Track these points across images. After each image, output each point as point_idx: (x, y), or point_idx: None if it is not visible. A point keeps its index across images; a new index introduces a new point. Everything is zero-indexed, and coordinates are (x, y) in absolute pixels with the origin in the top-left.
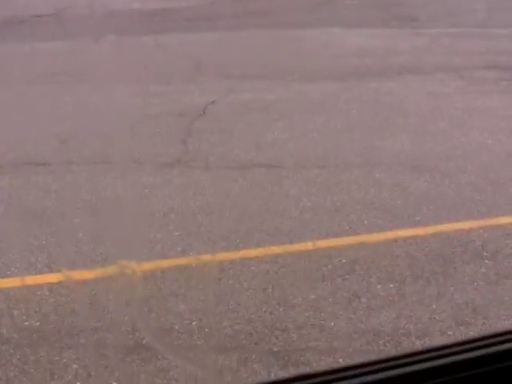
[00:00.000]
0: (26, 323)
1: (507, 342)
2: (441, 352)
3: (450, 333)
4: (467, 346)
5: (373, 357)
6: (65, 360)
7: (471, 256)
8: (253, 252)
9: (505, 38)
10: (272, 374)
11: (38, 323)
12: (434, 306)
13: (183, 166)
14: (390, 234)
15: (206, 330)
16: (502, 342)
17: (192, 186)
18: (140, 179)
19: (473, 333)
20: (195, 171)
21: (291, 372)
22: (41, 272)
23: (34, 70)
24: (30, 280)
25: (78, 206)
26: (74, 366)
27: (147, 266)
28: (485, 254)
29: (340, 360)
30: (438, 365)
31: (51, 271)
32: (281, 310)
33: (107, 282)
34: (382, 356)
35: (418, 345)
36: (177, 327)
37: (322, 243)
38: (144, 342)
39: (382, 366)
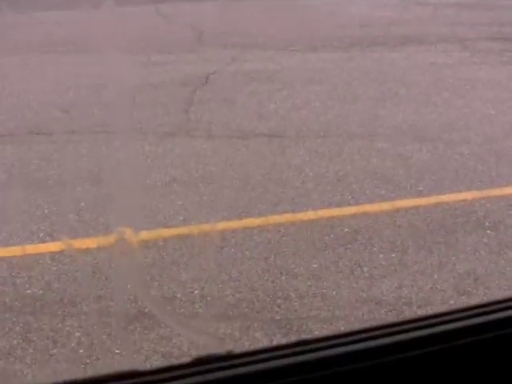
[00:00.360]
0: (29, 291)
1: (507, 310)
2: (441, 319)
3: (452, 302)
4: (467, 313)
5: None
6: (67, 328)
7: (473, 226)
8: (255, 221)
9: (509, 9)
10: (274, 342)
11: (40, 291)
12: (435, 276)
13: (185, 135)
14: (392, 204)
15: (208, 298)
16: (503, 310)
17: (194, 155)
18: (142, 148)
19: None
20: (197, 140)
21: None
22: (43, 241)
23: (34, 40)
24: (32, 249)
25: (79, 175)
26: (77, 334)
27: (149, 234)
28: (487, 224)
29: (342, 329)
30: (439, 331)
31: (53, 240)
32: (283, 278)
33: (109, 251)
34: (384, 322)
35: (420, 314)
36: (179, 296)
37: (324, 213)
38: (146, 310)
39: (383, 331)
